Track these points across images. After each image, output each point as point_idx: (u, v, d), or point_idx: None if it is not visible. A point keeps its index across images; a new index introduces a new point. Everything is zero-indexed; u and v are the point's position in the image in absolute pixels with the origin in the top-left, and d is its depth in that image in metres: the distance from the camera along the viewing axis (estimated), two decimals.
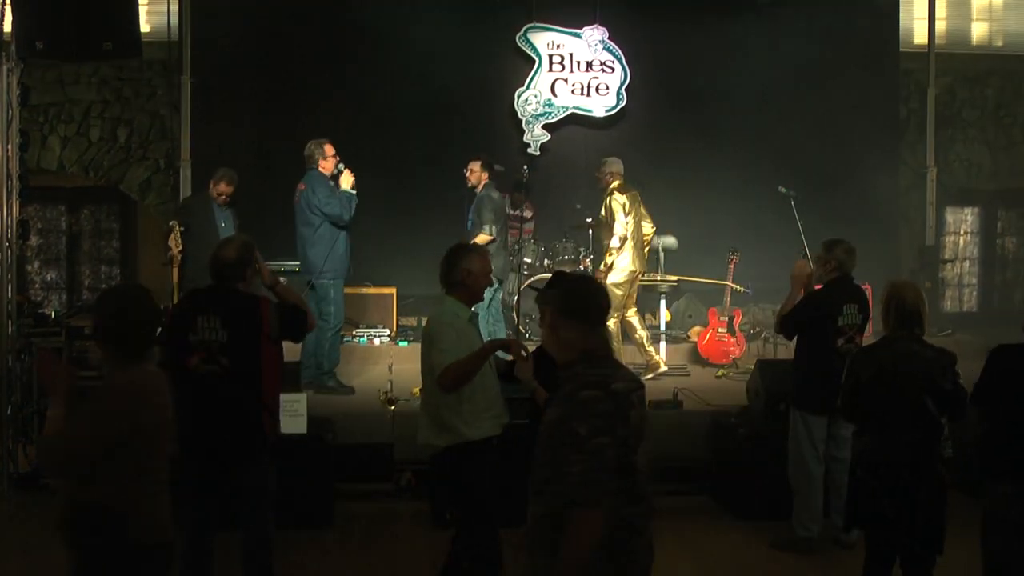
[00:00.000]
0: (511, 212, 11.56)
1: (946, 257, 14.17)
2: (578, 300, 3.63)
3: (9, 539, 6.95)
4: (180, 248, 8.66)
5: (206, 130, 11.69)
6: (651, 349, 9.99)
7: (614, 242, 9.61)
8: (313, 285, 8.97)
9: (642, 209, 9.89)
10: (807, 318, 6.70)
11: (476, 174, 9.90)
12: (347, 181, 9.10)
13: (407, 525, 7.18)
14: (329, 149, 9.16)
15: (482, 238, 9.62)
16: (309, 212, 9.02)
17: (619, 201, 9.68)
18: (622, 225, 9.61)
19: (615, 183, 9.86)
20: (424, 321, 11.14)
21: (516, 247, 10.83)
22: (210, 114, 11.74)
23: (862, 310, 6.77)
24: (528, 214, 11.71)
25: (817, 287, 6.94)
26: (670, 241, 11.27)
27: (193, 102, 11.68)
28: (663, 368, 9.95)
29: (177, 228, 8.52)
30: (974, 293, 14.71)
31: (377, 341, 10.99)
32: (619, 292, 9.51)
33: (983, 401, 4.77)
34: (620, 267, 9.66)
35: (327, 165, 9.13)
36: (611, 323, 9.50)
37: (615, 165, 10.02)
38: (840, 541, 6.77)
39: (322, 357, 9.12)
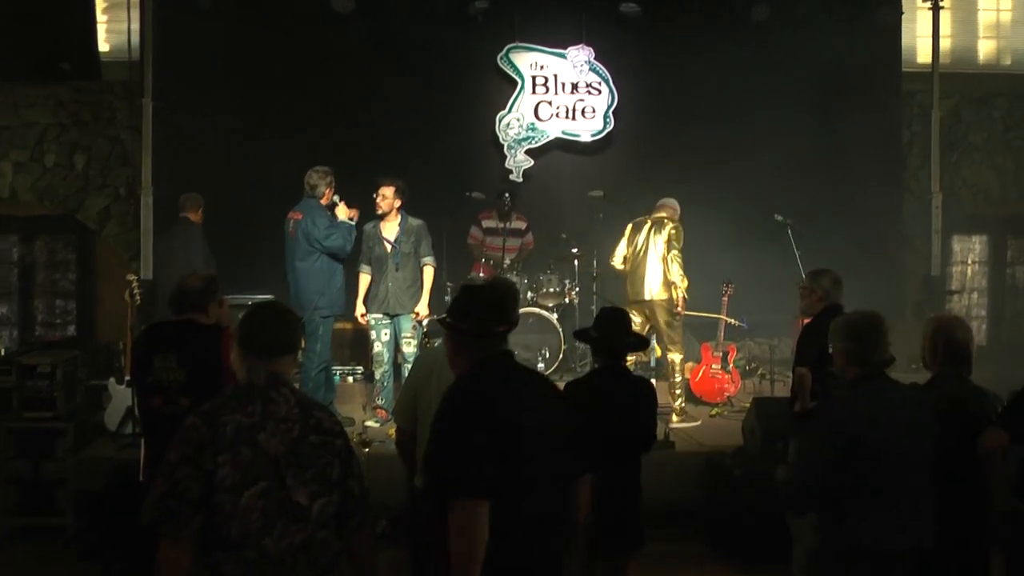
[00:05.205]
0: (500, 225, 11.55)
1: (953, 288, 14.25)
2: (244, 328, 3.75)
3: None
4: (139, 303, 8.68)
5: (170, 156, 11.60)
6: (675, 394, 10.05)
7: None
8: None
9: (651, 236, 9.95)
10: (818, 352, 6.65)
11: (389, 200, 9.56)
12: (343, 212, 9.17)
13: (385, 575, 7.21)
14: (332, 180, 9.28)
15: (431, 271, 9.72)
16: (307, 244, 9.07)
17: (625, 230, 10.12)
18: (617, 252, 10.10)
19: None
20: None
21: (518, 266, 11.00)
22: (174, 139, 11.66)
23: None
24: (522, 225, 11.70)
25: (806, 320, 6.99)
26: None
27: (156, 126, 11.61)
28: (673, 421, 9.82)
29: (135, 283, 8.55)
30: (983, 325, 14.74)
31: (351, 379, 11.01)
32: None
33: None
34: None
35: (328, 195, 9.22)
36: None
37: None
38: None
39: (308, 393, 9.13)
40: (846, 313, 5.37)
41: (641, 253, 9.93)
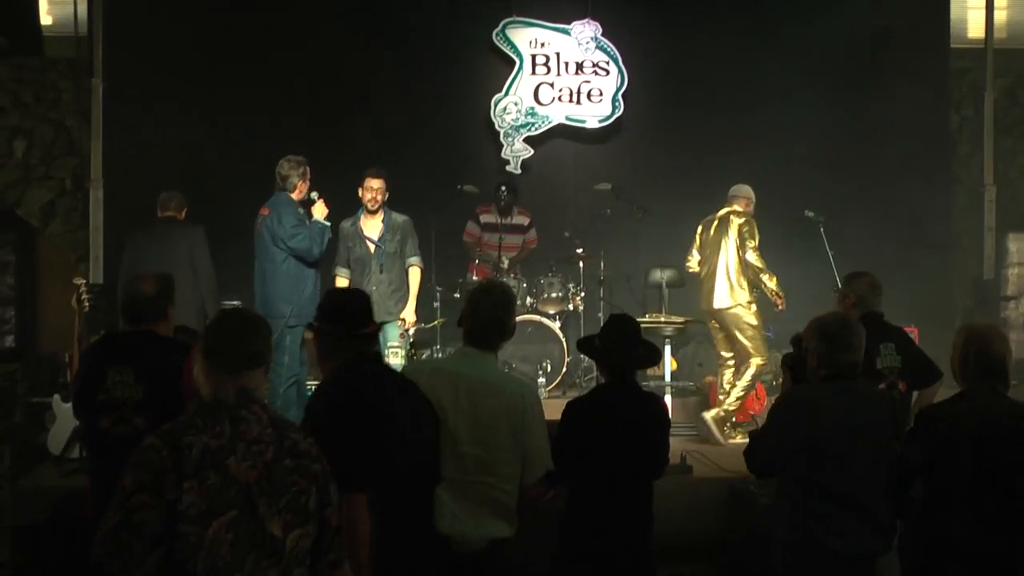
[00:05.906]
0: (499, 221, 11.54)
1: (1008, 293, 14.18)
2: (209, 338, 3.69)
3: None
4: (87, 309, 8.66)
5: (122, 145, 11.64)
6: (714, 414, 9.92)
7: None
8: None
9: (720, 235, 9.83)
10: None
11: (380, 194, 9.60)
12: (320, 211, 9.05)
13: None
14: (307, 171, 9.13)
15: (418, 273, 9.72)
16: (272, 244, 8.94)
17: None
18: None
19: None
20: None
21: (518, 268, 10.97)
22: (127, 125, 11.70)
23: (901, 350, 6.75)
24: (524, 221, 11.72)
25: None
26: (674, 275, 11.33)
27: (106, 110, 11.65)
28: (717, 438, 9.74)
29: (84, 287, 8.54)
30: None
31: None
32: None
33: None
34: None
35: (302, 189, 9.14)
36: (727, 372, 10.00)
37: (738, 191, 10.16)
38: None
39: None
40: (821, 315, 5.49)
41: (711, 255, 9.82)
